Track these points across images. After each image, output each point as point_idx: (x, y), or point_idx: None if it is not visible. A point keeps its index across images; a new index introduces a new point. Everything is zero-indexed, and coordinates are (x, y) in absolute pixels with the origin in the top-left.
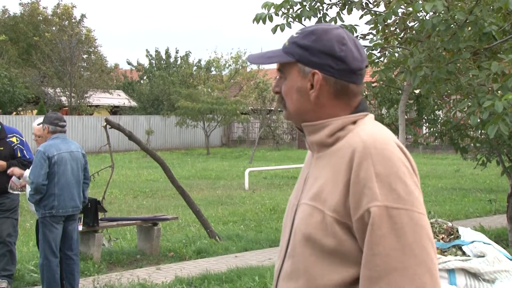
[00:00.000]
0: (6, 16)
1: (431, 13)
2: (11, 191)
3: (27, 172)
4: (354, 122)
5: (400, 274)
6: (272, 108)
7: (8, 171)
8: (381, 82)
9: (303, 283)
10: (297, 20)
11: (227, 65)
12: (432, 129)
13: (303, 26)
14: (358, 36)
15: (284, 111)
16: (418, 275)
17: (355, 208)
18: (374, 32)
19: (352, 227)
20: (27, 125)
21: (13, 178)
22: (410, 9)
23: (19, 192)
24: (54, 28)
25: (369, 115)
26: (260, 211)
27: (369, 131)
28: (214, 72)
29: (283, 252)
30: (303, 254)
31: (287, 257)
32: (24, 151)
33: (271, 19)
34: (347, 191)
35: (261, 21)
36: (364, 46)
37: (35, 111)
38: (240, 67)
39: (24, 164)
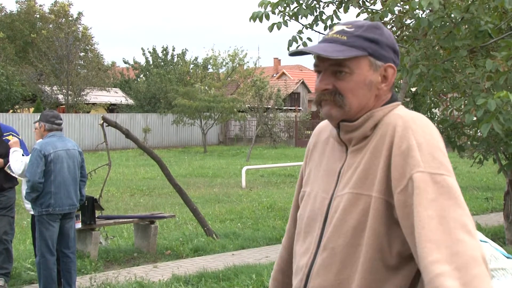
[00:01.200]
0: (2, 14)
1: (427, 11)
2: (8, 170)
3: (13, 165)
4: (390, 111)
5: (461, 233)
6: (269, 106)
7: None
8: None
9: (352, 270)
10: (293, 18)
11: (224, 63)
12: None
13: (300, 24)
14: None
15: (334, 109)
16: (469, 233)
17: (398, 180)
18: None
19: (394, 204)
20: (24, 123)
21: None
22: (407, 7)
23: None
24: (51, 26)
25: (401, 104)
26: (257, 209)
27: (406, 112)
28: (211, 70)
29: (314, 247)
30: (350, 244)
31: (322, 250)
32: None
33: (267, 17)
34: (389, 165)
35: (258, 19)
36: None
37: (32, 109)
38: (237, 65)
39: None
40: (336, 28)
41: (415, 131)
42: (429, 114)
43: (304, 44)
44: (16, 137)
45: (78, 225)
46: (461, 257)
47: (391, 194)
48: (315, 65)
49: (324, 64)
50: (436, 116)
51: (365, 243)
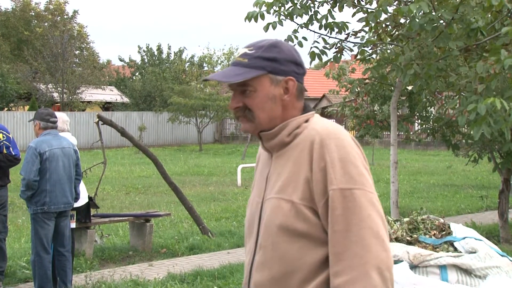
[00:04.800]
0: None
1: (418, 13)
2: None
3: None
4: (306, 121)
5: (359, 246)
6: None
7: None
8: (373, 79)
9: (278, 268)
10: (288, 18)
11: (219, 61)
12: (424, 126)
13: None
14: (349, 33)
15: (247, 124)
16: (373, 245)
17: (320, 195)
18: (366, 29)
19: (318, 212)
20: (19, 121)
21: None
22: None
23: None
24: (46, 24)
25: (316, 114)
26: None
27: (323, 125)
28: (206, 68)
29: (253, 246)
30: (278, 242)
31: (258, 249)
32: (10, 148)
33: (262, 17)
34: (311, 180)
35: (253, 19)
36: (356, 43)
37: (27, 107)
38: None
39: (10, 159)
40: (240, 52)
41: (329, 148)
42: (424, 112)
43: (299, 43)
44: (6, 135)
45: (73, 224)
46: (357, 269)
47: (315, 204)
48: (228, 86)
49: (232, 85)
50: (432, 115)
51: (291, 241)
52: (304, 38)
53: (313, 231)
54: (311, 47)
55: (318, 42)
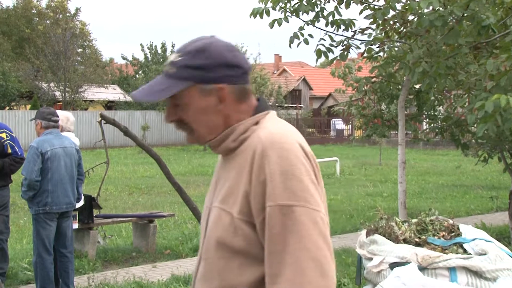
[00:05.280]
0: None
1: (428, 9)
2: None
3: None
4: (257, 123)
5: (293, 269)
6: (270, 103)
7: None
8: (381, 77)
9: (217, 284)
10: (294, 14)
11: None
12: (432, 125)
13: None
14: (356, 30)
15: (189, 136)
16: (309, 269)
17: (258, 210)
18: (373, 26)
19: (257, 227)
20: (21, 120)
21: None
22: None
23: None
24: (48, 22)
25: (271, 113)
26: None
27: (268, 132)
28: None
29: (199, 255)
30: (215, 257)
31: (201, 259)
32: (16, 148)
33: (268, 13)
34: (250, 193)
35: (258, 15)
36: (363, 40)
37: (28, 106)
38: None
39: (17, 161)
40: (170, 58)
41: (270, 159)
42: (432, 111)
43: (305, 40)
44: (9, 134)
45: (75, 225)
46: None
47: (253, 218)
48: None
49: (164, 98)
50: (440, 114)
51: (229, 258)
52: (310, 36)
53: (253, 249)
54: (317, 45)
55: (325, 40)
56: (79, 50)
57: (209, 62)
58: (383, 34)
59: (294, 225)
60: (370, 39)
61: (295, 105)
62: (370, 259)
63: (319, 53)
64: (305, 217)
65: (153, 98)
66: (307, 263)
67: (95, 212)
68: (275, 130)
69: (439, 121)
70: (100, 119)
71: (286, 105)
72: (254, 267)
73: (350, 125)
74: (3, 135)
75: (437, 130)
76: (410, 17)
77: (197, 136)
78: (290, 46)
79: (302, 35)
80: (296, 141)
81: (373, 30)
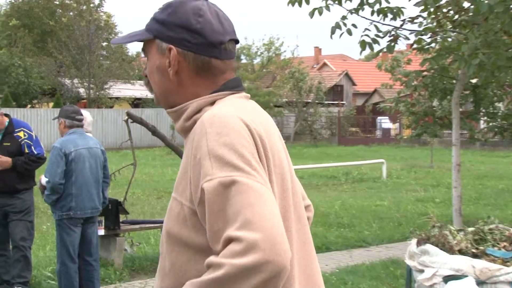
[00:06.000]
0: (20, 0)
1: None
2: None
3: (43, 179)
4: (213, 103)
5: (239, 221)
6: (309, 100)
7: None
8: (432, 71)
9: (169, 281)
10: (336, 2)
11: (258, 53)
12: (491, 124)
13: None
14: (405, 19)
15: (154, 95)
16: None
17: (195, 192)
18: (424, 14)
19: (198, 212)
20: (43, 119)
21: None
22: None
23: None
24: (71, 14)
25: (234, 94)
26: None
27: (214, 111)
28: (244, 61)
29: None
30: (167, 250)
31: (160, 253)
32: (32, 147)
33: (307, 1)
34: (192, 177)
35: (297, 3)
36: (412, 30)
37: (51, 104)
38: (273, 55)
39: (32, 160)
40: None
41: (209, 136)
42: (491, 108)
43: (348, 31)
44: (28, 133)
45: (101, 231)
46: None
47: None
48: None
49: (126, 43)
50: (500, 111)
51: (179, 252)
52: (354, 26)
53: (203, 240)
54: (362, 36)
55: (370, 30)
56: (104, 43)
57: (171, 19)
58: (435, 23)
59: (236, 196)
60: (421, 28)
61: (336, 102)
62: (422, 271)
63: (363, 44)
64: (247, 187)
65: (119, 41)
66: (254, 217)
67: (122, 217)
68: (220, 110)
69: (498, 119)
70: (126, 117)
71: (327, 102)
72: (206, 260)
73: (398, 124)
74: (21, 133)
75: (496, 129)
76: (466, 4)
77: (155, 95)
78: (331, 38)
79: (345, 25)
80: (240, 119)
81: (424, 18)
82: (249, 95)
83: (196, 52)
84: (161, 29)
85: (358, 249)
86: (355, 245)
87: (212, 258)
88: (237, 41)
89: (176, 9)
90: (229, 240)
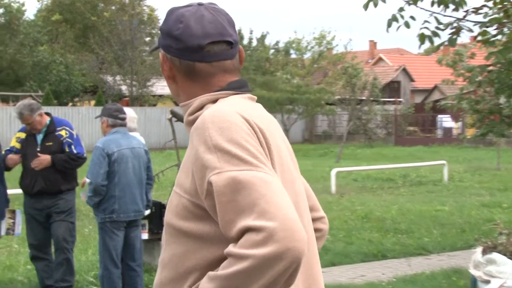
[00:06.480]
0: None
1: None
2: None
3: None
4: (215, 101)
5: (254, 213)
6: (363, 98)
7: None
8: (499, 65)
9: (168, 272)
10: None
11: (309, 47)
12: None
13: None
14: (468, 10)
15: None
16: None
17: (200, 186)
18: (489, 4)
19: (206, 208)
20: (84, 118)
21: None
22: None
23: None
24: (113, 8)
25: (238, 95)
26: (349, 219)
27: (215, 108)
28: (294, 56)
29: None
30: (168, 241)
31: (162, 246)
32: (72, 146)
33: None
34: (194, 171)
35: None
36: (476, 22)
37: (93, 102)
38: (325, 50)
39: (72, 158)
40: None
41: (211, 131)
42: None
43: (406, 24)
44: (69, 131)
45: (145, 235)
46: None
47: (201, 198)
48: None
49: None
50: None
51: (179, 241)
52: (412, 18)
53: (202, 230)
54: (421, 28)
55: (429, 22)
56: (147, 39)
57: (163, 27)
58: (501, 14)
59: (245, 188)
60: (486, 19)
61: (393, 99)
62: (488, 281)
63: (422, 38)
64: (256, 179)
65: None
66: (269, 206)
67: None
68: (221, 107)
69: None
70: (170, 116)
71: (382, 99)
72: (205, 249)
73: (461, 123)
74: (63, 132)
75: None
76: None
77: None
78: (387, 31)
79: (402, 17)
80: (241, 115)
81: (490, 8)
82: (255, 97)
83: (180, 57)
84: (159, 38)
85: (417, 257)
86: (414, 253)
87: (232, 249)
88: (231, 42)
89: (166, 17)
90: (246, 230)
